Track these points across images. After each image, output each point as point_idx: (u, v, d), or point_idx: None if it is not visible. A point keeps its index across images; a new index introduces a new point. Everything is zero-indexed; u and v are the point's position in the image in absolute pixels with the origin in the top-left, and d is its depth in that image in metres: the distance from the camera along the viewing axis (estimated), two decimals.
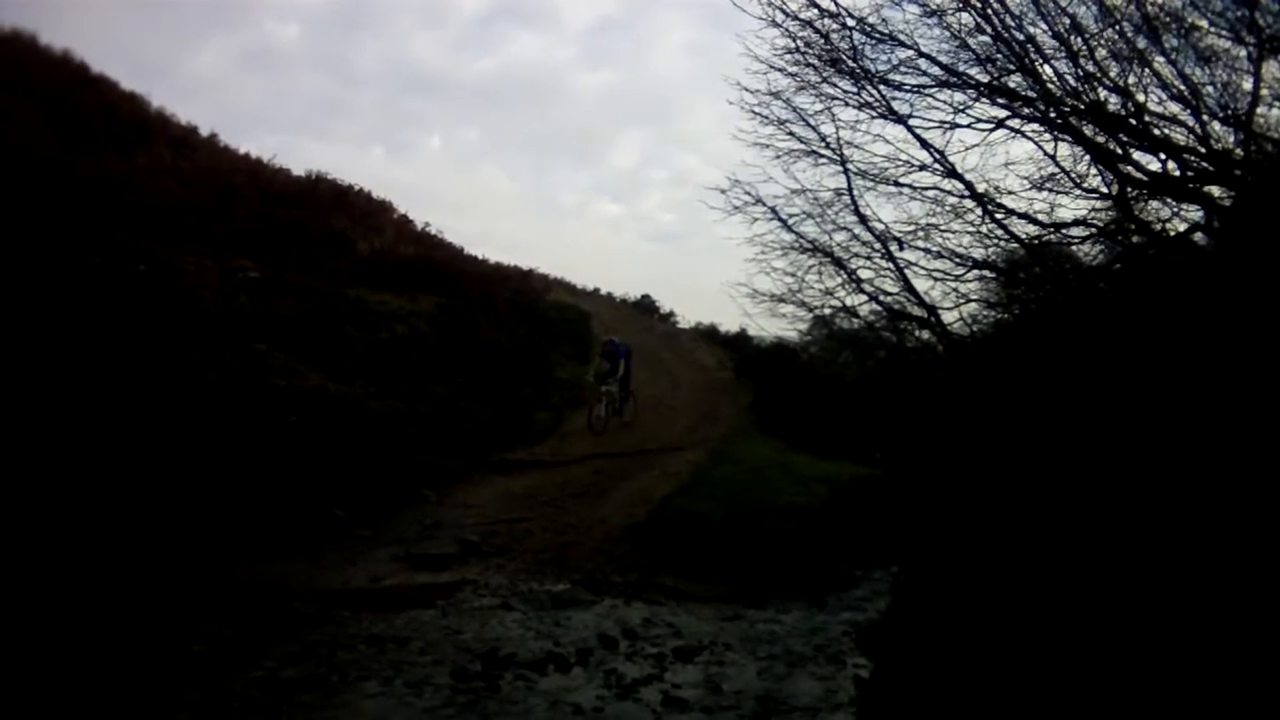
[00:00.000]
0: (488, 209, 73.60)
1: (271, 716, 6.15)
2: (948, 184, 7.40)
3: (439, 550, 10.89)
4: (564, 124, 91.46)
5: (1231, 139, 6.45)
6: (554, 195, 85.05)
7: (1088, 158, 6.87)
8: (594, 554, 11.23)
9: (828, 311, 8.31)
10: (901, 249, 7.54)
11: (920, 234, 7.53)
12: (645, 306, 33.05)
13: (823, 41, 7.47)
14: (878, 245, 7.67)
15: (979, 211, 7.22)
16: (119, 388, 10.42)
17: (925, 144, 7.36)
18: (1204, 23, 6.41)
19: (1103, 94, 6.65)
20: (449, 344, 17.55)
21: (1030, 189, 7.15)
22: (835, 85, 7.56)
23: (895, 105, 7.40)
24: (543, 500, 13.50)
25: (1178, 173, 6.51)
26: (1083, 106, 6.63)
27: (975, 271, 7.38)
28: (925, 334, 7.80)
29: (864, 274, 7.90)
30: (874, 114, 7.47)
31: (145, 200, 15.32)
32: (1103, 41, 6.65)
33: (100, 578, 8.27)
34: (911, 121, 7.39)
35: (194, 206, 16.51)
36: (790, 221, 8.18)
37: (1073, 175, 6.98)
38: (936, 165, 7.37)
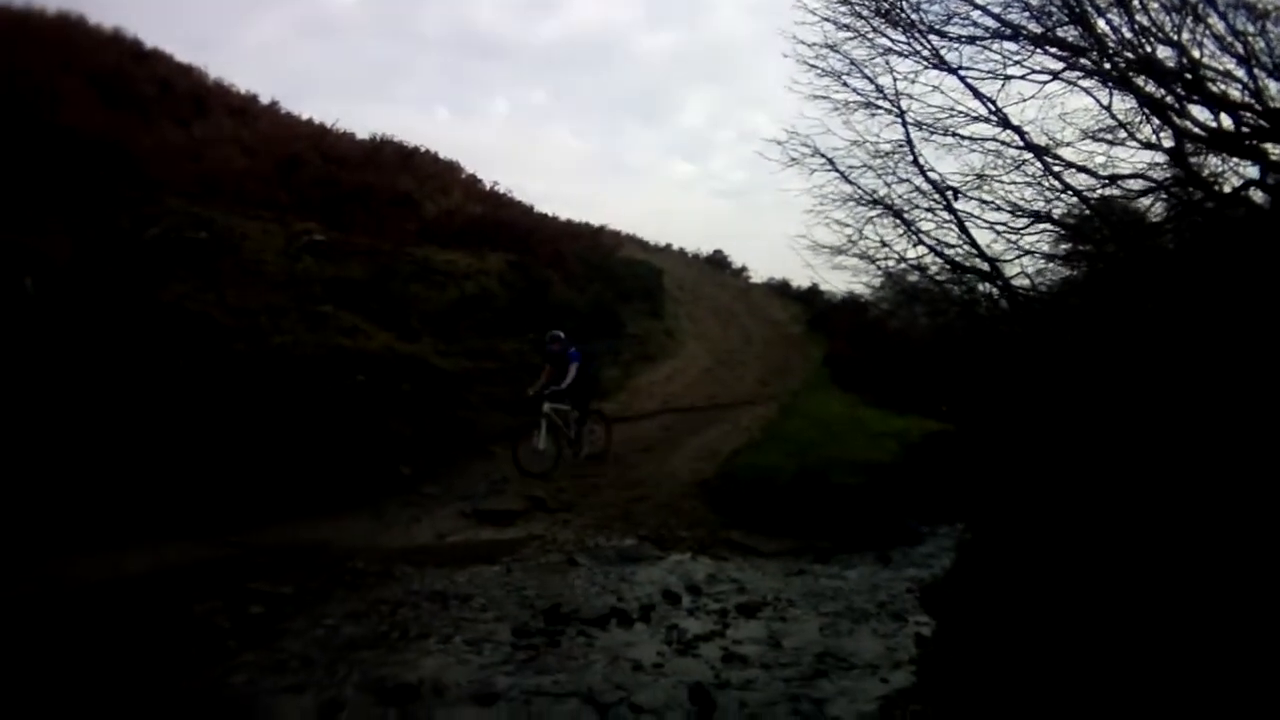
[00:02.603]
0: (557, 170, 73.09)
1: (329, 675, 6.22)
2: (1005, 135, 7.23)
3: (506, 506, 10.99)
4: (631, 85, 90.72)
5: None
6: (623, 155, 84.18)
7: (1144, 111, 6.67)
8: (661, 509, 11.26)
9: (889, 264, 8.11)
10: (957, 198, 7.34)
11: (979, 185, 7.34)
12: (717, 262, 32.82)
13: None
14: (937, 197, 7.46)
15: (1037, 164, 7.02)
16: (180, 351, 10.66)
17: (980, 95, 7.19)
18: None
19: (1157, 47, 6.50)
20: (518, 301, 17.55)
21: (1086, 140, 7.00)
22: (886, 36, 7.39)
23: (948, 56, 7.26)
24: (611, 455, 13.57)
25: (1233, 128, 6.32)
26: (1137, 60, 6.46)
27: (1035, 225, 7.18)
28: (987, 287, 7.58)
29: (924, 226, 7.71)
30: (926, 64, 7.30)
31: (205, 170, 15.60)
32: None
33: (164, 537, 8.49)
34: (968, 74, 7.24)
35: (257, 174, 16.79)
36: (848, 174, 7.99)
37: (1129, 128, 6.78)
38: (992, 116, 7.20)
